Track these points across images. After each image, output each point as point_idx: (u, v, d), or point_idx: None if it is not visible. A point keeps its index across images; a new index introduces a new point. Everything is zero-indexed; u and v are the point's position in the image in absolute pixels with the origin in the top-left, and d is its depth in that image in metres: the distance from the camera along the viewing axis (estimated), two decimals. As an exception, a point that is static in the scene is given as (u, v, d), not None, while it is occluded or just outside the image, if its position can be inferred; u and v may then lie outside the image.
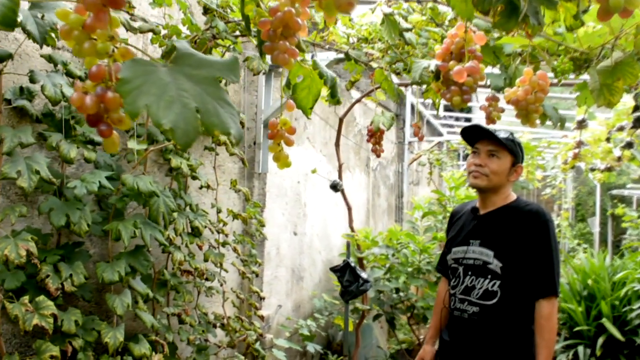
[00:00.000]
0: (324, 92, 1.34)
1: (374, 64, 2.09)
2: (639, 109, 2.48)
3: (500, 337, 2.12)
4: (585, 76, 1.81)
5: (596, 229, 9.61)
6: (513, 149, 2.18)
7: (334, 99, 1.26)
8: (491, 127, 2.24)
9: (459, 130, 8.26)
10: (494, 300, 2.12)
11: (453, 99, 1.32)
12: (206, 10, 2.20)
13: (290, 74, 1.32)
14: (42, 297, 1.57)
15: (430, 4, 1.73)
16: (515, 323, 2.12)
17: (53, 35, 1.37)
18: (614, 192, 10.96)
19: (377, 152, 2.39)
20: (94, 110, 0.80)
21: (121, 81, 0.68)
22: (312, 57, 2.75)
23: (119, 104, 0.81)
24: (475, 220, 2.28)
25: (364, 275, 2.72)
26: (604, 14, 0.79)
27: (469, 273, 2.21)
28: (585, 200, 11.88)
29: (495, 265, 2.13)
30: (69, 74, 1.80)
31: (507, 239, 2.14)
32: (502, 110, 1.77)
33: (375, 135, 2.38)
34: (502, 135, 2.18)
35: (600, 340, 4.89)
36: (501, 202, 2.23)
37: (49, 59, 1.75)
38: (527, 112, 1.32)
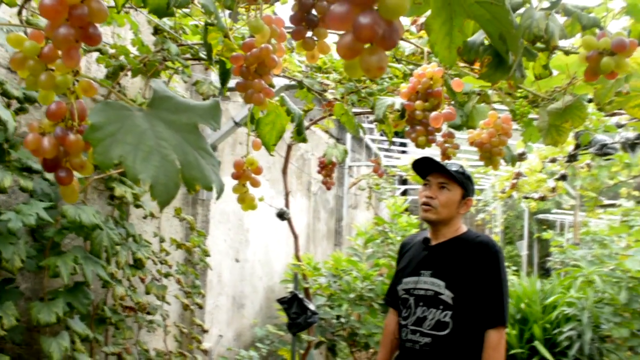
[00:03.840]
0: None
1: (328, 95, 2.06)
2: (579, 147, 2.59)
3: (452, 368, 2.11)
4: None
5: (524, 252, 9.96)
6: (463, 182, 2.21)
7: (300, 136, 1.21)
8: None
9: (395, 155, 8.39)
10: (446, 331, 2.11)
11: (418, 139, 1.30)
12: (156, 31, 2.10)
13: (253, 107, 1.26)
14: (-33, 343, 1.41)
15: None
16: (467, 353, 2.11)
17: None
18: (540, 216, 11.45)
19: (328, 185, 2.35)
20: (53, 154, 0.71)
21: (91, 127, 0.60)
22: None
23: (82, 147, 0.72)
24: (426, 250, 2.27)
25: (311, 307, 2.66)
26: (592, 75, 0.79)
27: (421, 304, 2.19)
28: (513, 224, 12.31)
29: (447, 295, 2.12)
30: (5, 94, 1.65)
31: (458, 269, 2.14)
32: (458, 147, 1.78)
33: (326, 168, 2.34)
34: (452, 168, 2.20)
35: (533, 363, 5.03)
36: (452, 233, 2.24)
37: (-17, 79, 1.61)
38: (490, 155, 1.32)
